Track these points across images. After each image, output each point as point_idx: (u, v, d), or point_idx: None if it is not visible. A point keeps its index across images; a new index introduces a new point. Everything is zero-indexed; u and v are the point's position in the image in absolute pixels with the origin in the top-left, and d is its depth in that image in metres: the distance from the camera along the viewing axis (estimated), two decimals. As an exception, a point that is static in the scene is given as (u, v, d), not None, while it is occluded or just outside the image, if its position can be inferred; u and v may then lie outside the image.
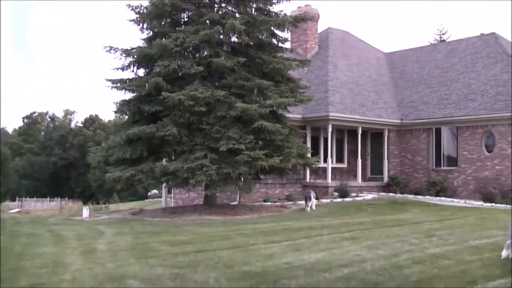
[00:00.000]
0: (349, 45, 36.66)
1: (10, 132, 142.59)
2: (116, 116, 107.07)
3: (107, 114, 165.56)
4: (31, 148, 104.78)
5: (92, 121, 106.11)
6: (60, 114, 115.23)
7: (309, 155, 25.34)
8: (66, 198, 59.69)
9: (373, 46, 39.12)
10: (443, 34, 58.13)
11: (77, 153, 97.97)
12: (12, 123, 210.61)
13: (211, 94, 20.91)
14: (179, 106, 20.81)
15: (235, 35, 22.66)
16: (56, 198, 59.06)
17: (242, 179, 21.46)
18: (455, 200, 27.01)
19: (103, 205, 43.59)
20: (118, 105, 23.04)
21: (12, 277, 10.48)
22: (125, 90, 22.39)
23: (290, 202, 25.82)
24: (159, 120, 21.49)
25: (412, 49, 38.35)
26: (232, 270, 10.67)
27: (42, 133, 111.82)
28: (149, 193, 58.95)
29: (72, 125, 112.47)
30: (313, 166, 25.67)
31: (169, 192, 33.74)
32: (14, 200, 60.26)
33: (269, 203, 25.91)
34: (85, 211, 23.03)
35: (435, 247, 13.16)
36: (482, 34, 35.01)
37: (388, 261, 11.43)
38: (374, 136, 32.77)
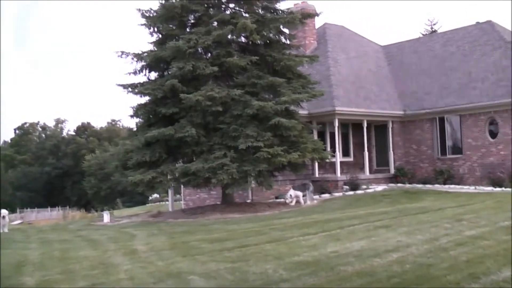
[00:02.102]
0: (347, 40, 36.98)
1: (1, 144, 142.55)
2: (108, 123, 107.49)
3: (99, 121, 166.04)
4: (24, 159, 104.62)
5: (84, 129, 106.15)
6: (51, 124, 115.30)
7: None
8: (67, 207, 59.73)
9: (369, 40, 39.48)
10: (434, 24, 58.48)
11: (71, 162, 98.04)
12: (2, 135, 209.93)
13: (227, 93, 21.26)
14: (196, 106, 21.16)
15: (245, 34, 22.99)
16: (56, 208, 59.26)
17: (263, 176, 21.78)
18: (464, 187, 27.39)
19: (108, 211, 43.82)
20: (134, 109, 23.33)
21: (66, 279, 10.66)
22: (141, 94, 22.70)
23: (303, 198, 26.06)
24: (176, 122, 21.80)
25: (409, 41, 38.75)
26: (284, 261, 10.91)
27: (35, 142, 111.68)
28: (150, 198, 59.05)
29: (64, 133, 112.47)
30: (327, 160, 25.92)
31: (175, 194, 33.99)
32: (14, 212, 60.25)
33: (283, 200, 26.13)
34: (106, 216, 23.32)
35: (469, 229, 13.46)
36: (478, 23, 35.42)
37: (431, 244, 11.74)
38: (378, 128, 33.11)
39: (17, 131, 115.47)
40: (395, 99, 33.11)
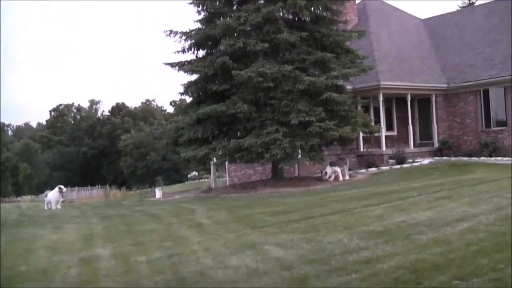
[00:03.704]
0: (387, 14, 36.85)
1: (35, 127, 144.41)
2: (142, 103, 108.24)
3: (133, 102, 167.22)
4: (60, 140, 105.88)
5: (119, 109, 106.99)
6: (85, 105, 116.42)
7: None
8: (107, 186, 60.35)
9: (409, 13, 39.26)
10: (472, -4, 57.86)
11: (107, 142, 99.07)
12: (37, 117, 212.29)
13: (278, 69, 21.39)
14: (248, 83, 21.32)
15: (294, 11, 23.02)
16: (96, 186, 59.95)
17: (314, 150, 21.94)
18: (511, 159, 27.20)
19: (149, 189, 44.54)
20: (184, 86, 23.57)
21: (140, 250, 10.89)
22: (191, 72, 22.94)
23: (350, 172, 26.09)
24: (226, 99, 22.02)
25: (450, 13, 38.55)
26: (355, 230, 11.06)
27: (70, 123, 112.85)
28: (189, 176, 59.71)
29: (99, 114, 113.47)
30: (375, 134, 26.03)
31: (216, 171, 34.30)
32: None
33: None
34: (158, 192, 23.70)
35: (532, 198, 13.51)
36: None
37: (498, 213, 11.78)
38: (421, 102, 33.04)
39: (52, 113, 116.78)
40: (438, 72, 33.00)
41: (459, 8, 52.82)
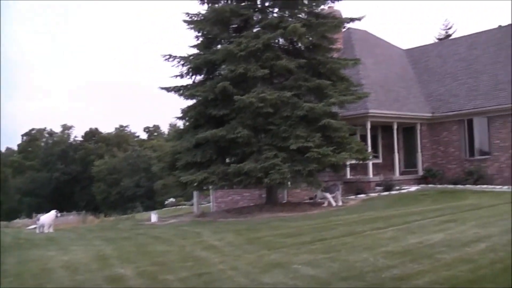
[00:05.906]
0: (371, 44, 37.50)
1: (3, 151, 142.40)
2: (116, 129, 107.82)
3: (107, 127, 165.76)
4: (32, 165, 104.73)
5: (92, 135, 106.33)
6: (58, 130, 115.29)
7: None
8: (84, 212, 59.85)
9: (392, 44, 40.04)
10: (448, 29, 59.13)
11: (79, 167, 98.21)
12: (6, 142, 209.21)
13: (278, 95, 21.74)
14: (247, 108, 21.61)
15: (291, 38, 23.47)
16: (72, 212, 59.45)
17: (312, 176, 22.25)
18: (496, 187, 27.69)
19: (130, 216, 44.24)
20: (183, 111, 23.81)
21: (164, 270, 11.02)
22: (192, 97, 23.20)
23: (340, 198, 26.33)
24: (224, 123, 22.28)
25: (432, 44, 39.42)
26: (376, 251, 11.35)
27: (43, 148, 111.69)
28: (166, 202, 59.44)
29: (71, 139, 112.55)
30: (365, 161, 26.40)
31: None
32: (30, 217, 60.36)
33: (320, 200, 26.48)
34: (154, 217, 23.86)
35: (537, 222, 13.91)
36: (500, 26, 36.02)
37: (510, 235, 12.19)
38: (406, 130, 33.56)
39: (24, 138, 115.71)
40: (422, 101, 33.64)
41: (436, 40, 53.89)
